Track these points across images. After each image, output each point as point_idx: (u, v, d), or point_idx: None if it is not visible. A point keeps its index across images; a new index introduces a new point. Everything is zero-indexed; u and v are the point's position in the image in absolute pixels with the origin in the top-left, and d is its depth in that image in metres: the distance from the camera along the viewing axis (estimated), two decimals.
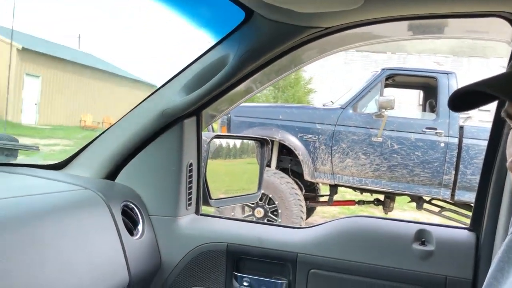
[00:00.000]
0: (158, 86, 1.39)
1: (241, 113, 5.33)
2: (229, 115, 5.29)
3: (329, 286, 1.25)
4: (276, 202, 5.04)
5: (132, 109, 1.37)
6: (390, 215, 5.55)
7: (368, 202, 5.65)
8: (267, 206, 5.12)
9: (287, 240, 1.30)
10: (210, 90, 1.28)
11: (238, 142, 1.76)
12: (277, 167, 5.32)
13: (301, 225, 4.80)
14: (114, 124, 1.41)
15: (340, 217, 1.41)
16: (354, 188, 5.41)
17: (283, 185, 5.02)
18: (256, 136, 1.72)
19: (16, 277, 0.84)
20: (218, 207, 3.81)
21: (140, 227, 1.29)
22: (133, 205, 1.29)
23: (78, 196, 1.17)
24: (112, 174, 1.38)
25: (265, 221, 4.88)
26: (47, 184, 1.21)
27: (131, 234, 1.23)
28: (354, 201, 5.72)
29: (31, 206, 0.99)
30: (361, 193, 5.56)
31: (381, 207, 5.54)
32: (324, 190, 6.01)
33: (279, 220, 4.98)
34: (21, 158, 1.55)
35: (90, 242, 1.06)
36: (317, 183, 5.72)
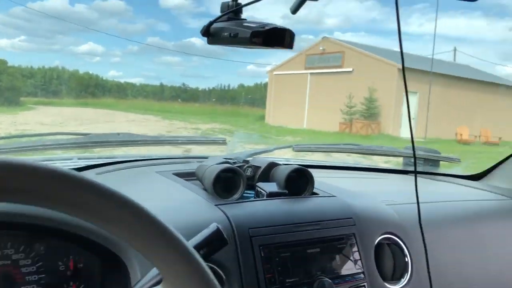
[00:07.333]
0: None
1: None
2: None
3: None
4: None
5: None
6: None
7: None
8: None
9: None
10: None
11: None
12: None
13: None
14: None
15: None
16: None
17: None
18: None
19: (468, 266, 0.94)
20: None
21: None
22: None
23: (499, 205, 1.16)
24: None
25: None
26: (467, 191, 1.26)
27: None
28: None
29: (452, 211, 1.07)
30: None
31: None
32: None
33: None
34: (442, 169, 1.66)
35: None
36: None
